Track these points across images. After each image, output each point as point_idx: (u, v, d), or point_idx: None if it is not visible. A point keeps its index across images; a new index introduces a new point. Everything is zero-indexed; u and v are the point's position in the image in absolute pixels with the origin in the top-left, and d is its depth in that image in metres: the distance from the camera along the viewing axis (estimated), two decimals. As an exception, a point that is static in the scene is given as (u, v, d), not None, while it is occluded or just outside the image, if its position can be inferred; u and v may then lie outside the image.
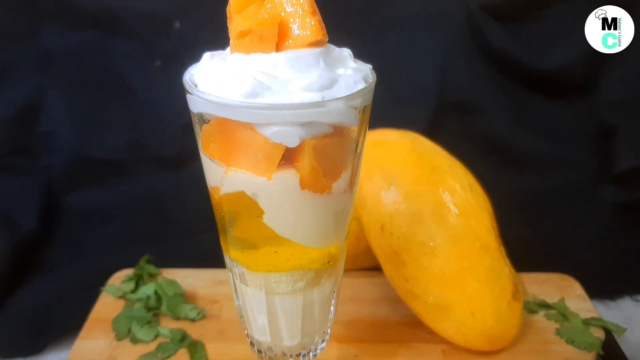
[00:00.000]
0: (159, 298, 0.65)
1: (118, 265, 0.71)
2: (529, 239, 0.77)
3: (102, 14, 0.88)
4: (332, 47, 0.36)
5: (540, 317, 0.63)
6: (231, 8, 0.35)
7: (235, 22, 0.34)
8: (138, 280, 0.67)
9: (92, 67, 0.90)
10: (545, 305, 0.64)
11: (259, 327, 0.44)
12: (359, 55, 0.39)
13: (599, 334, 0.60)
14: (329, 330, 0.48)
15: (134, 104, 0.91)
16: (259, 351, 0.47)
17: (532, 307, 0.64)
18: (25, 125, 0.89)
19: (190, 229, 0.81)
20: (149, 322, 0.61)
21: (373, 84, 0.36)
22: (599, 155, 0.91)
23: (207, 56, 0.37)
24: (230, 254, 0.41)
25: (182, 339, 0.59)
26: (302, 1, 0.34)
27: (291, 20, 0.34)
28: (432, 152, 0.61)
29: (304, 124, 0.32)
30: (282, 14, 0.34)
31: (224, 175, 0.36)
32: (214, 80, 0.34)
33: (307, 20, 0.34)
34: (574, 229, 0.83)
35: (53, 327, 0.65)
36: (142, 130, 0.91)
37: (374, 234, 0.59)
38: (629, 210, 0.86)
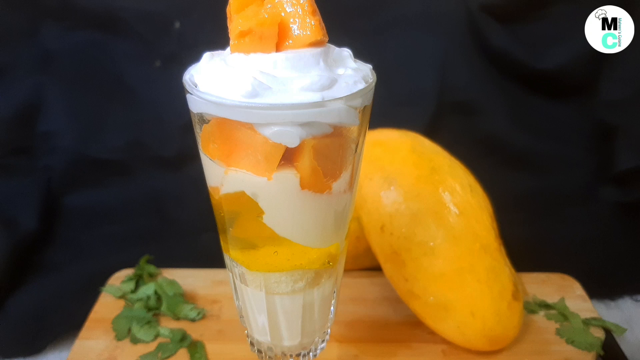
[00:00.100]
0: (159, 298, 0.65)
1: (118, 265, 0.71)
2: (529, 239, 0.77)
3: (102, 14, 0.88)
4: (332, 47, 0.36)
5: (540, 317, 0.63)
6: (231, 8, 0.35)
7: (235, 22, 0.34)
8: (138, 280, 0.67)
9: (92, 67, 0.91)
10: (545, 305, 0.64)
11: (259, 327, 0.44)
12: (359, 55, 0.38)
13: (599, 334, 0.60)
14: (329, 330, 0.48)
15: (134, 104, 0.91)
16: (259, 351, 0.47)
17: (532, 307, 0.64)
18: (25, 125, 0.89)
19: (190, 229, 0.81)
20: (149, 322, 0.61)
21: (373, 84, 0.36)
22: (599, 155, 0.91)
23: (207, 56, 0.37)
24: (230, 254, 0.41)
25: (182, 339, 0.59)
26: (302, 1, 0.34)
27: (291, 20, 0.34)
28: (432, 152, 0.61)
29: (304, 124, 0.32)
30: (282, 14, 0.34)
31: (224, 175, 0.36)
32: (214, 80, 0.34)
33: (307, 20, 0.34)
34: (574, 229, 0.83)
35: (53, 327, 0.64)
36: (142, 130, 0.91)
37: (374, 234, 0.59)
38: (629, 210, 0.86)
